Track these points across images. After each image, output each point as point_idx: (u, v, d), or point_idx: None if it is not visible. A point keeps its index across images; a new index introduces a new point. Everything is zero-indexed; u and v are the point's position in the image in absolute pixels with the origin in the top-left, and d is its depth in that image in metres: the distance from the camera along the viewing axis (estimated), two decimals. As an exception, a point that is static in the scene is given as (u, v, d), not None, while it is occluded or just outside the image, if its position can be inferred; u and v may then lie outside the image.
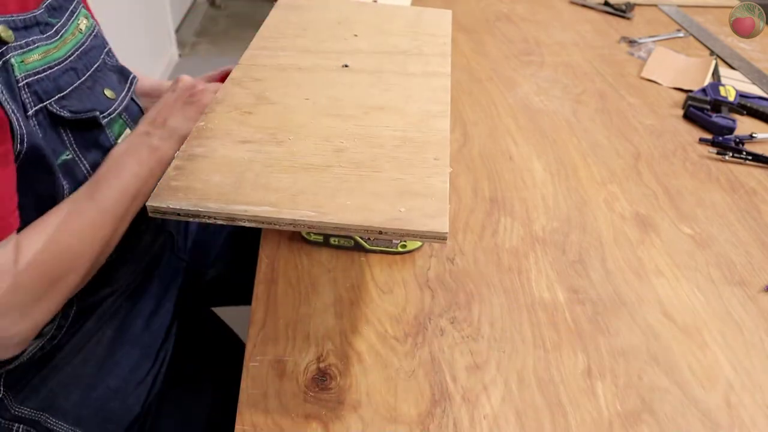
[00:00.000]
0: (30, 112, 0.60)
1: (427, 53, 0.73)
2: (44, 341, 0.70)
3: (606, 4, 1.38)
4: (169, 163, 0.57)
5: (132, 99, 0.75)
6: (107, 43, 0.76)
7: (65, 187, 0.63)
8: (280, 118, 0.59)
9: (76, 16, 0.69)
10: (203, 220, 0.47)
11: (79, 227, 0.59)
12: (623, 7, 1.36)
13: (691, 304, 0.68)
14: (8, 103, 0.57)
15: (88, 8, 0.76)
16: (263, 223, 0.47)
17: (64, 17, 0.67)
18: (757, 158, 0.89)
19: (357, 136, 0.56)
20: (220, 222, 0.47)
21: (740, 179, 0.87)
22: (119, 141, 0.71)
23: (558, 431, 0.55)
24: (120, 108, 0.72)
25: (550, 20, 1.32)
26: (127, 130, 0.73)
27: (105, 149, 0.68)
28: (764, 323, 0.66)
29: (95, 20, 0.75)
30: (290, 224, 0.47)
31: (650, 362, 0.61)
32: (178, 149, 0.57)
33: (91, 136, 0.66)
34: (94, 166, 0.66)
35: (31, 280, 0.56)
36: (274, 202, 0.48)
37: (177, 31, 2.89)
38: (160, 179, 0.58)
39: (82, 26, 0.70)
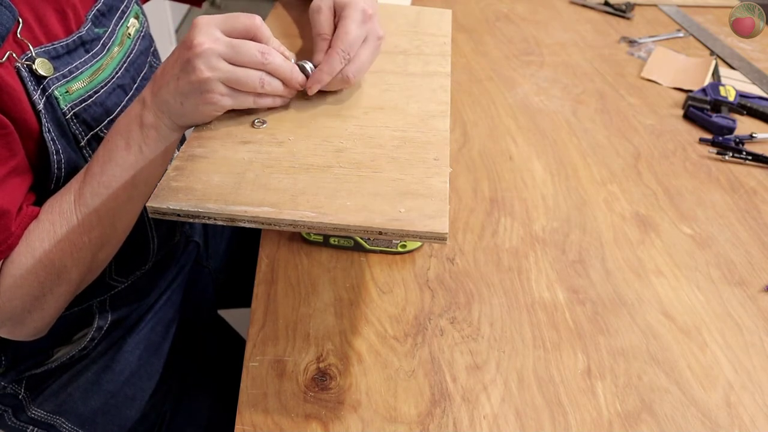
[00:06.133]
0: (82, 143, 0.59)
1: (427, 53, 0.73)
2: (75, 351, 0.70)
3: (606, 4, 1.38)
4: (167, 143, 0.55)
5: None
6: (153, 41, 0.73)
7: None
8: (281, 119, 0.59)
9: (127, 17, 0.67)
10: (203, 221, 0.47)
11: (62, 237, 0.55)
12: (623, 7, 1.36)
13: (691, 304, 0.68)
14: (54, 142, 0.56)
15: (143, 1, 0.73)
16: (263, 223, 0.47)
17: (113, 23, 0.64)
18: (757, 158, 0.89)
19: (357, 137, 0.56)
20: (220, 223, 0.47)
21: (740, 179, 0.87)
22: None
23: (558, 431, 0.55)
24: None
25: (550, 20, 1.32)
26: None
27: None
28: (764, 323, 0.66)
29: (144, 16, 0.72)
30: (290, 225, 0.47)
31: (650, 362, 0.61)
32: (173, 126, 0.54)
33: None
34: None
35: (10, 302, 0.55)
36: (274, 203, 0.48)
37: (177, 31, 2.89)
38: (162, 164, 0.56)
39: (132, 30, 0.67)
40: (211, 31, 0.50)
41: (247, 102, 0.53)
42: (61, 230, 0.55)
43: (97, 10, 0.62)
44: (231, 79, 0.51)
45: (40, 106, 0.54)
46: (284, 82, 0.54)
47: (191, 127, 0.55)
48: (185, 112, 0.52)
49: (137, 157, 0.54)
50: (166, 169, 0.58)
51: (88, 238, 0.56)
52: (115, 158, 0.54)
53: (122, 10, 0.66)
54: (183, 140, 0.81)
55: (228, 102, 0.52)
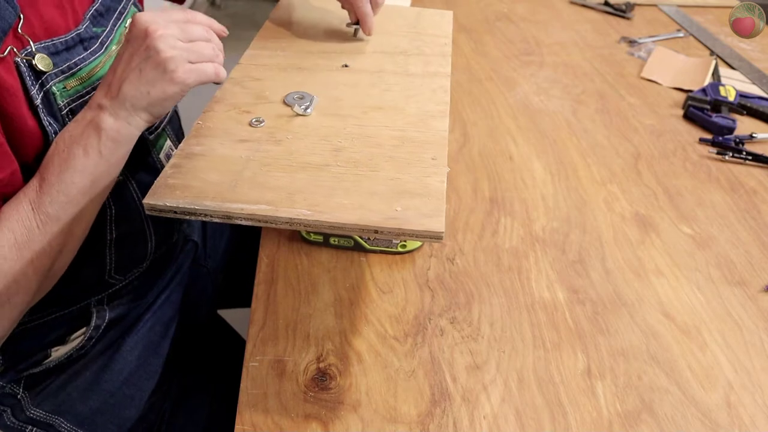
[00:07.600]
0: None
1: (428, 53, 0.73)
2: (74, 350, 0.69)
3: (606, 4, 1.38)
4: (129, 143, 0.56)
5: (174, 110, 0.74)
6: None
7: (113, 209, 0.63)
8: (279, 117, 0.59)
9: (125, 18, 0.67)
10: (200, 218, 0.47)
11: (24, 246, 0.53)
12: (623, 7, 1.36)
13: (691, 304, 0.67)
14: (55, 135, 0.56)
15: (141, 3, 0.73)
16: (260, 221, 0.47)
17: (110, 23, 0.65)
18: (757, 158, 0.89)
19: (355, 136, 0.56)
20: (216, 220, 0.47)
21: (740, 179, 0.86)
22: (161, 155, 0.70)
23: (558, 431, 0.55)
24: (165, 120, 0.71)
25: (550, 20, 1.32)
26: (168, 142, 0.72)
27: (150, 166, 0.67)
28: (764, 323, 0.66)
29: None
30: (287, 222, 0.47)
31: (650, 362, 0.61)
32: (140, 122, 0.55)
33: (139, 154, 0.64)
34: (141, 185, 0.65)
35: None
36: (271, 201, 0.48)
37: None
38: (121, 164, 0.56)
39: None
40: (158, 20, 0.53)
41: (209, 72, 0.55)
42: (22, 239, 0.53)
43: (95, 9, 0.63)
44: (192, 53, 0.54)
45: (38, 101, 0.54)
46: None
47: (155, 121, 0.57)
48: (152, 102, 0.54)
49: (97, 161, 0.54)
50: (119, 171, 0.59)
51: (50, 246, 0.55)
52: (73, 166, 0.54)
53: (120, 11, 0.66)
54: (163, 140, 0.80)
55: (193, 78, 0.54)
